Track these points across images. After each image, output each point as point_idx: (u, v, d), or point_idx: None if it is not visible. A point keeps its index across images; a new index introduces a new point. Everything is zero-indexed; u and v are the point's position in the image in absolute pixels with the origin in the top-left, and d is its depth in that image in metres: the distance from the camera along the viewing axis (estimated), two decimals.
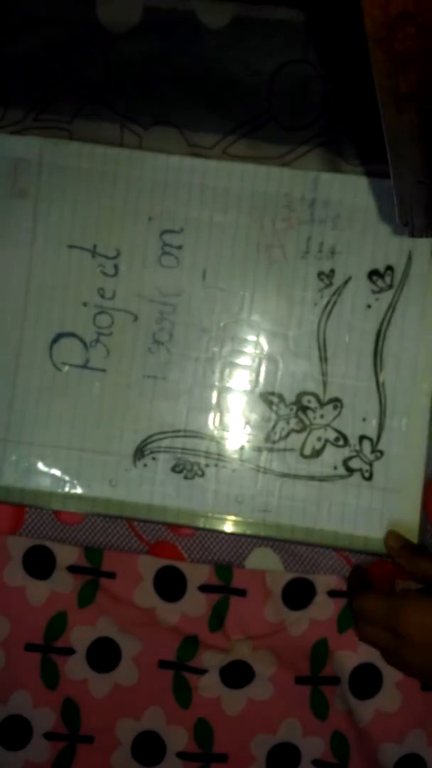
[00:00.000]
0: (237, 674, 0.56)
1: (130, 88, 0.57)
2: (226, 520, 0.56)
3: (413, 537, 0.55)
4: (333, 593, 0.57)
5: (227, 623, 0.56)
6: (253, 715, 0.56)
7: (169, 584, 0.56)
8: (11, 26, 0.57)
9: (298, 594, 0.56)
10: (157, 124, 0.57)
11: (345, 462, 0.56)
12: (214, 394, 0.56)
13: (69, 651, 0.56)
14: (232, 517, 0.56)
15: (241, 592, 0.57)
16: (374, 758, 0.55)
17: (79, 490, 0.56)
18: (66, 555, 0.57)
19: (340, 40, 0.56)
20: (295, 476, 0.56)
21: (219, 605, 0.57)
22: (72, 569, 0.57)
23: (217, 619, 0.56)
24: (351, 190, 0.56)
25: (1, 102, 0.57)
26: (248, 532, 0.55)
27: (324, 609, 0.56)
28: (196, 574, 0.57)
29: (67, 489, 0.56)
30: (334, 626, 0.56)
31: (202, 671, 0.56)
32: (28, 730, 0.56)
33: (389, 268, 0.56)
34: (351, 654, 0.56)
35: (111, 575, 0.57)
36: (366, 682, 0.55)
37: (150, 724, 0.56)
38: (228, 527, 0.56)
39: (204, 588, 0.57)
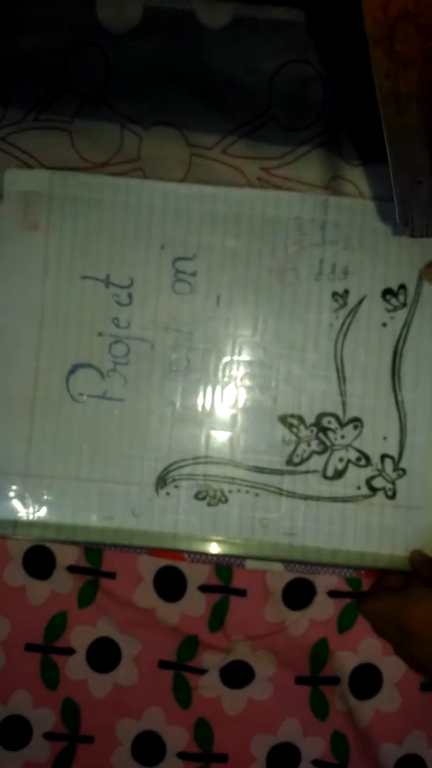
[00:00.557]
0: (237, 674, 0.56)
1: (130, 88, 0.57)
2: (252, 545, 0.55)
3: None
4: (333, 593, 0.57)
5: (227, 623, 0.56)
6: (253, 715, 0.56)
7: (169, 584, 0.56)
8: (11, 26, 0.57)
9: (298, 594, 0.56)
10: (157, 124, 0.57)
11: (368, 482, 0.55)
12: (234, 419, 0.56)
13: (69, 651, 0.56)
14: (258, 542, 0.55)
15: (241, 593, 0.57)
16: (374, 758, 0.55)
17: (102, 522, 0.55)
18: (66, 555, 0.56)
19: (340, 40, 0.56)
20: (319, 498, 0.55)
21: (219, 605, 0.57)
22: (72, 569, 0.56)
23: (217, 619, 0.56)
24: (359, 212, 0.56)
25: (1, 102, 0.57)
26: (274, 556, 0.55)
27: (324, 609, 0.56)
28: (196, 574, 0.57)
29: (89, 521, 0.55)
30: (334, 626, 0.56)
31: (202, 671, 0.56)
32: (28, 730, 0.56)
33: (402, 286, 0.56)
34: (351, 654, 0.56)
35: (111, 575, 0.57)
36: (366, 682, 0.56)
37: (150, 724, 0.56)
38: (254, 552, 0.55)
39: (204, 588, 0.57)
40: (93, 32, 0.56)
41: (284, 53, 0.56)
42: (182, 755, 0.56)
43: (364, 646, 0.55)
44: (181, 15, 0.56)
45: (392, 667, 0.55)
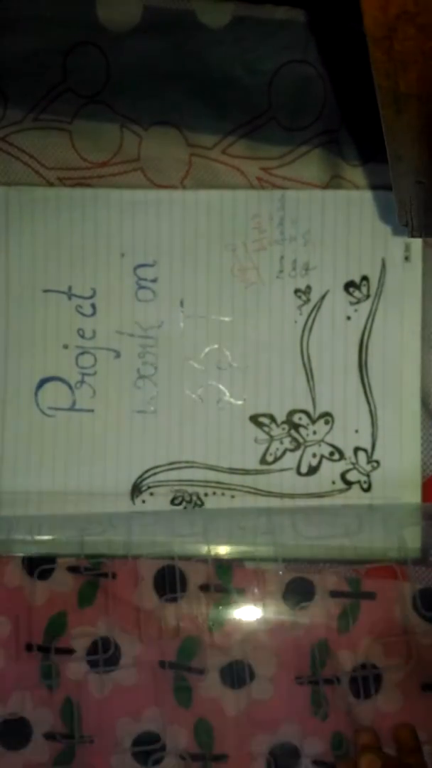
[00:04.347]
0: (237, 674, 0.56)
1: (130, 87, 0.57)
2: (232, 546, 0.55)
3: (416, 541, 0.55)
4: (334, 593, 0.56)
5: (227, 623, 0.56)
6: (253, 715, 0.55)
7: (170, 584, 0.56)
8: (11, 26, 0.56)
9: (299, 594, 0.56)
10: (156, 124, 0.57)
11: (342, 476, 0.56)
12: (205, 422, 0.56)
13: (69, 651, 0.56)
14: (238, 543, 0.55)
15: (242, 592, 0.56)
16: None
17: (79, 535, 0.55)
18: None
19: (340, 40, 0.56)
20: (295, 495, 0.55)
21: (219, 605, 0.56)
22: (72, 569, 0.56)
23: (218, 619, 0.56)
24: (318, 205, 0.56)
25: (1, 102, 0.57)
26: (255, 555, 0.55)
27: (324, 609, 0.56)
28: (197, 573, 0.56)
29: (67, 535, 0.55)
30: (334, 626, 0.56)
31: (202, 671, 0.56)
32: (28, 731, 0.56)
33: (364, 278, 0.56)
34: (351, 654, 0.56)
35: (111, 575, 0.56)
36: (366, 682, 0.55)
37: (150, 724, 0.56)
38: (234, 553, 0.55)
39: (204, 588, 0.56)
40: (93, 32, 0.56)
41: (284, 53, 0.56)
42: (182, 755, 0.56)
43: (364, 646, 0.55)
44: (181, 15, 0.56)
45: (393, 667, 0.55)
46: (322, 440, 0.56)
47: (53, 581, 0.56)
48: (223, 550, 0.56)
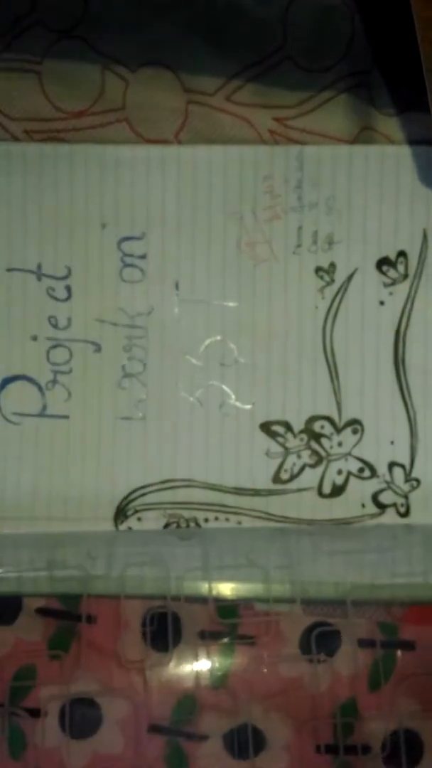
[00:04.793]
0: (245, 741, 0.49)
1: (114, 20, 0.50)
2: (237, 584, 0.49)
3: None
4: (364, 642, 0.49)
5: (232, 678, 0.49)
6: None
7: (162, 630, 0.49)
8: None
9: (320, 642, 0.49)
10: (146, 65, 0.50)
11: (374, 497, 0.50)
12: (205, 431, 0.50)
13: (38, 713, 0.49)
14: (246, 579, 0.49)
15: (250, 639, 0.49)
16: None
17: (50, 570, 0.49)
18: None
19: None
20: (316, 521, 0.50)
21: (222, 656, 0.49)
22: (42, 612, 0.49)
23: (221, 673, 0.49)
24: (344, 164, 0.50)
25: None
26: (267, 594, 0.49)
27: (351, 661, 0.49)
28: (194, 617, 0.49)
29: (36, 570, 0.49)
30: (364, 682, 0.49)
31: (201, 737, 0.49)
32: None
33: (401, 254, 0.51)
34: (385, 717, 0.48)
35: (90, 619, 0.49)
36: (404, 751, 0.48)
37: None
38: (242, 592, 0.49)
39: (204, 635, 0.49)
40: None
41: None
42: None
43: (401, 707, 0.48)
44: None
45: None
46: (350, 453, 0.50)
47: (18, 627, 0.49)
48: (227, 587, 0.49)
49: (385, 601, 0.49)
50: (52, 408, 0.50)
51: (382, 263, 0.50)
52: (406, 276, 0.50)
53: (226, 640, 0.49)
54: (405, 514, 0.50)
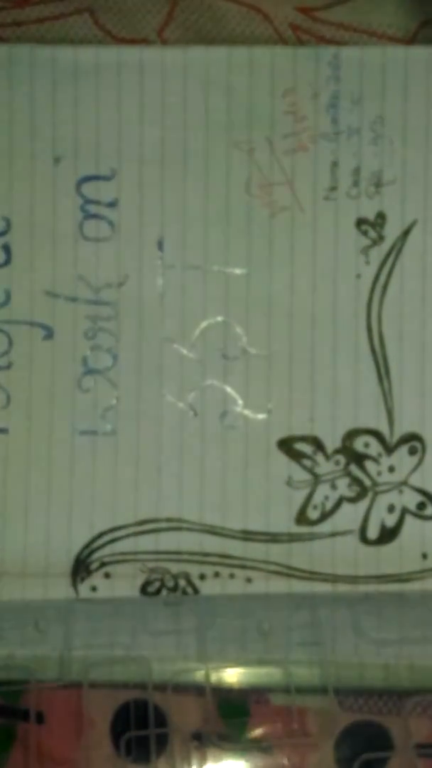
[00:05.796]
0: None
1: None
2: (246, 669, 0.41)
3: None
4: (423, 747, 0.40)
5: None
6: None
7: (140, 733, 0.41)
8: None
9: (363, 748, 0.41)
10: None
11: None
12: (202, 452, 0.42)
13: None
14: (257, 662, 0.41)
15: (264, 745, 0.40)
16: None
17: None
18: None
19: None
20: (358, 578, 0.42)
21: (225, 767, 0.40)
22: None
23: None
24: (398, 72, 0.42)
25: None
26: (287, 682, 0.41)
27: None
28: (186, 713, 0.40)
29: None
30: None
31: None
32: None
33: None
34: None
35: (39, 718, 0.40)
36: None
37: None
38: (252, 680, 0.41)
39: (199, 738, 0.40)
40: None
41: None
42: None
43: None
44: None
45: None
46: (406, 482, 0.42)
47: None
48: (231, 673, 0.40)
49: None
50: None
51: None
52: None
53: (230, 746, 0.40)
54: None
